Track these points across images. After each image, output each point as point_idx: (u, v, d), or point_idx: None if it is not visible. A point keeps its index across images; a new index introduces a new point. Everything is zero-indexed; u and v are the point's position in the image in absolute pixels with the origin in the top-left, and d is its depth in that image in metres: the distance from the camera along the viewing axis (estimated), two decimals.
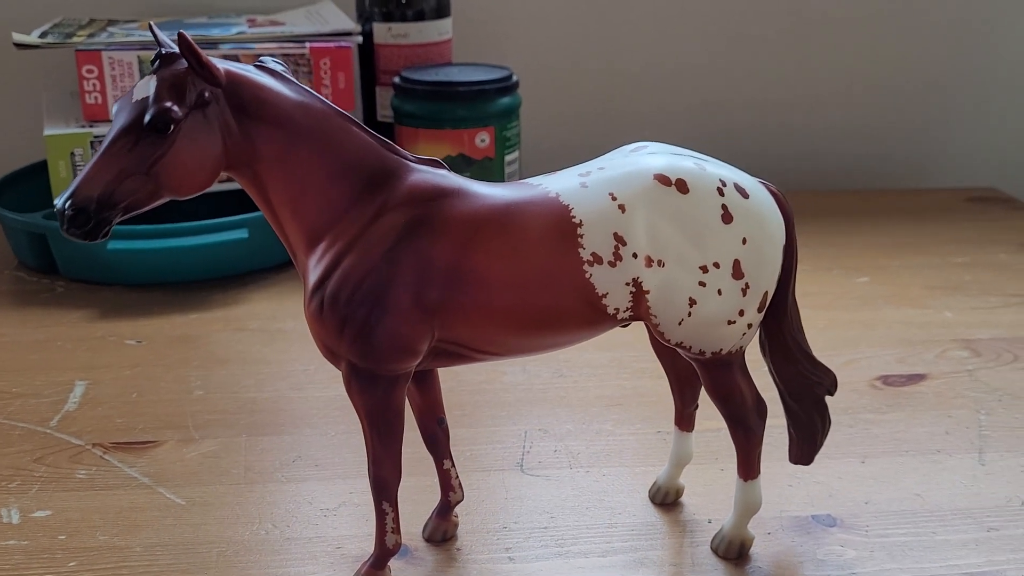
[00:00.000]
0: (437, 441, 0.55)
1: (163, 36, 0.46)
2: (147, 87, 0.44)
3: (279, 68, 0.47)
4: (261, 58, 0.47)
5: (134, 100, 0.44)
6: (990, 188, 1.17)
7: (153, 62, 0.45)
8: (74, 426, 0.69)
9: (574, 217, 0.47)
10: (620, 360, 0.77)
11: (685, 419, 0.58)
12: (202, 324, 0.84)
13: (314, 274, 0.47)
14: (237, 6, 1.11)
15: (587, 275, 0.47)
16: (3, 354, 0.79)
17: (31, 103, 1.07)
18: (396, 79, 0.98)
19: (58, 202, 0.43)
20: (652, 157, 0.49)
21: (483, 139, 0.96)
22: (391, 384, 0.48)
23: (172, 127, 0.43)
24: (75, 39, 0.95)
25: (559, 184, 0.48)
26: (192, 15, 1.09)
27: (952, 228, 1.04)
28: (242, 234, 0.90)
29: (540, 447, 0.66)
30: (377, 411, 0.49)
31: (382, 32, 1.03)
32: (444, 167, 0.49)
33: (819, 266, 0.94)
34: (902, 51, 1.17)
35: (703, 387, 0.52)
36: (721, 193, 0.48)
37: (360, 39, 0.99)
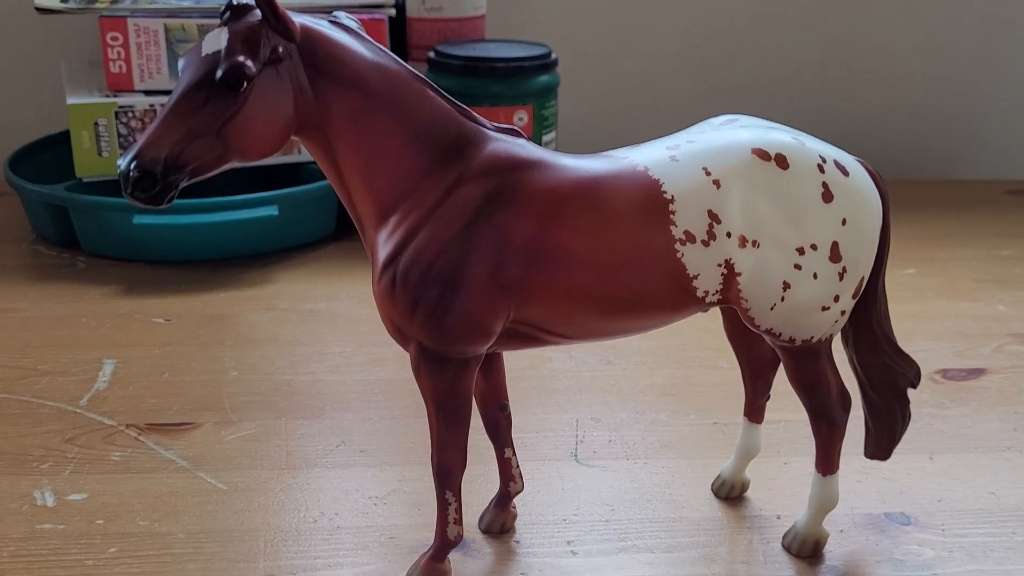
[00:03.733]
0: (499, 428, 0.53)
1: None
2: (218, 40, 0.40)
3: (353, 25, 0.44)
4: (335, 13, 0.44)
5: (203, 54, 0.40)
6: None
7: (223, 13, 0.41)
8: (105, 406, 0.66)
9: (665, 192, 0.44)
10: (668, 348, 0.74)
11: (756, 410, 0.56)
12: (231, 303, 0.81)
13: (385, 249, 0.44)
14: None
15: (678, 254, 0.44)
16: (26, 330, 0.76)
17: (48, 72, 1.04)
18: (431, 54, 0.95)
19: (121, 163, 0.40)
20: (746, 130, 0.46)
21: (521, 117, 0.93)
22: (461, 367, 0.45)
23: (245, 84, 0.40)
24: (99, 5, 0.92)
25: (646, 156, 0.45)
26: None
27: (995, 220, 1.02)
28: (272, 211, 0.87)
29: (594, 436, 0.64)
30: (445, 396, 0.46)
31: (415, 5, 0.99)
32: (523, 136, 0.46)
33: None
34: (939, 42, 1.14)
35: (787, 376, 0.50)
36: (821, 170, 0.45)
37: (393, 11, 0.96)
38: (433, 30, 1.00)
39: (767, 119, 0.48)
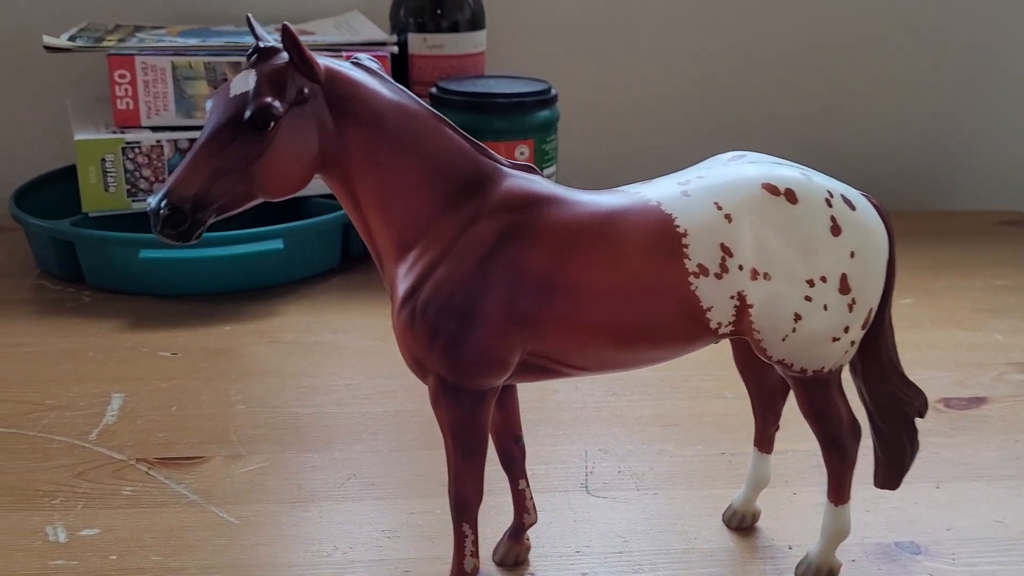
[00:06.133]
0: (513, 460, 0.53)
1: (261, 29, 0.43)
2: (246, 82, 0.41)
3: (374, 66, 0.45)
4: (356, 55, 0.45)
5: (232, 95, 0.41)
6: (1017, 211, 1.17)
7: (250, 56, 0.42)
8: (114, 440, 0.66)
9: (678, 226, 0.45)
10: (672, 379, 0.75)
11: (765, 441, 0.56)
12: (236, 336, 0.82)
13: (404, 284, 0.45)
14: (263, 16, 1.09)
15: (692, 287, 0.45)
16: (32, 364, 0.76)
17: (53, 107, 1.05)
18: (433, 89, 0.96)
19: (152, 201, 0.40)
20: (755, 166, 0.47)
21: (522, 152, 0.94)
22: (478, 400, 0.46)
23: (272, 124, 0.41)
24: (106, 43, 0.93)
25: (658, 192, 0.46)
26: (218, 23, 1.07)
27: (989, 251, 1.03)
28: (277, 244, 0.87)
29: (602, 468, 0.64)
30: (463, 428, 0.46)
31: (417, 42, 1.01)
32: (538, 173, 0.47)
33: None
34: (928, 77, 1.17)
35: (799, 407, 0.50)
36: (829, 204, 0.46)
37: (395, 49, 0.98)
38: (434, 67, 1.01)
39: (766, 156, 0.49)
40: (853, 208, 0.47)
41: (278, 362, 0.78)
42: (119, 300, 0.87)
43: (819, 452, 0.51)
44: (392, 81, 0.45)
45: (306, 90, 0.42)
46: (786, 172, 0.47)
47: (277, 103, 0.41)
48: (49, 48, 0.91)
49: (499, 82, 0.98)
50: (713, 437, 0.67)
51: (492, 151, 0.47)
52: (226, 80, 0.41)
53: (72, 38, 0.94)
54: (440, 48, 1.01)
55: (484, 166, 0.46)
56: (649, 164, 1.15)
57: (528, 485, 0.54)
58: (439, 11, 1.01)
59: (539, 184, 0.46)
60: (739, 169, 0.47)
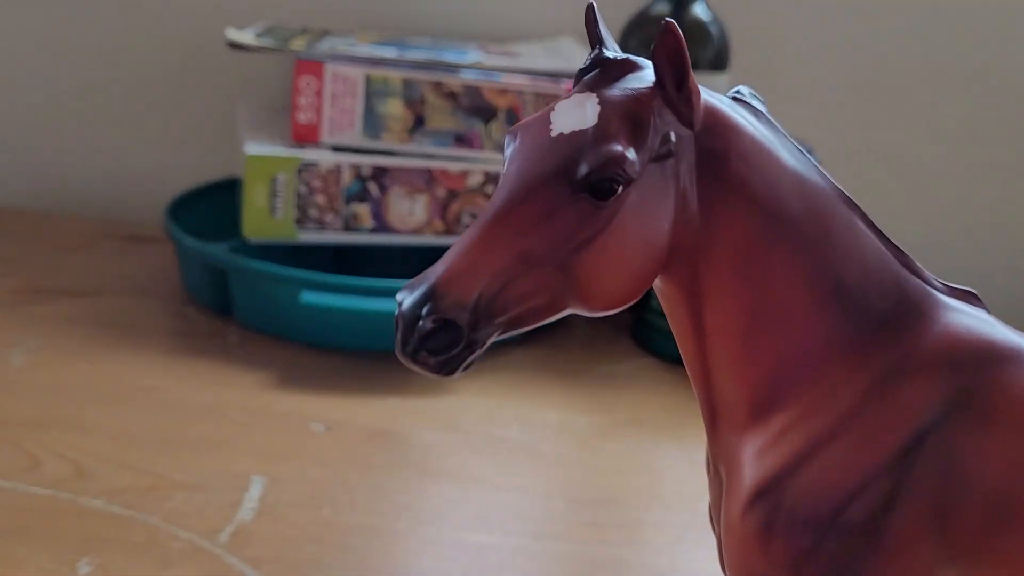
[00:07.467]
0: None
1: (607, 31, 0.27)
2: (582, 112, 0.25)
3: (762, 107, 0.28)
4: (738, 89, 0.28)
5: (554, 133, 0.25)
6: None
7: (587, 71, 0.26)
8: (250, 548, 0.51)
9: None
10: None
11: None
12: (402, 415, 0.66)
13: (759, 465, 0.28)
14: (463, 31, 0.95)
15: None
16: (164, 419, 0.63)
17: (218, 112, 0.94)
18: None
19: (406, 302, 0.24)
20: None
21: None
22: None
23: (619, 189, 0.24)
24: (294, 45, 0.81)
25: None
26: (412, 35, 0.94)
27: None
28: None
29: None
30: None
31: None
32: (981, 302, 0.29)
33: None
34: None
35: None
36: None
37: None
38: None
39: None
40: None
41: (455, 459, 0.62)
42: (269, 346, 0.73)
43: None
44: (786, 134, 0.28)
45: (673, 137, 0.25)
46: None
47: (633, 154, 0.24)
48: (232, 44, 0.79)
49: None
50: None
51: (917, 263, 0.29)
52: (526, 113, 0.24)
53: (258, 36, 0.82)
54: None
55: (911, 288, 0.28)
56: (929, 249, 0.94)
57: None
58: None
59: (993, 327, 0.28)
60: None
